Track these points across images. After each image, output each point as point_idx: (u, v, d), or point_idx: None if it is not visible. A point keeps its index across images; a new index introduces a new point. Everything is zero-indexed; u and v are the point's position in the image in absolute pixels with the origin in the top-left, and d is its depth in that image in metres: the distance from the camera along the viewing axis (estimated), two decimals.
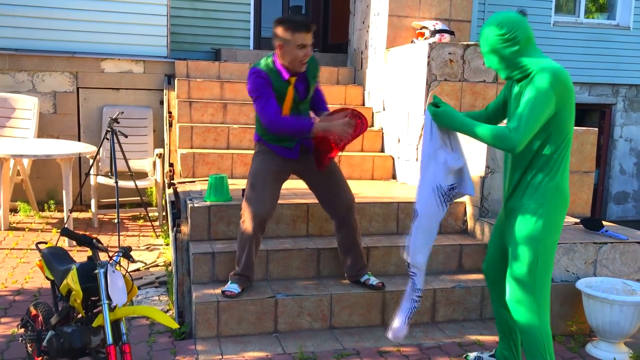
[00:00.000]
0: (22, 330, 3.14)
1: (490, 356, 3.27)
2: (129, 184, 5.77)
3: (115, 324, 2.61)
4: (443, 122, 2.82)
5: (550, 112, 2.67)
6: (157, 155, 6.17)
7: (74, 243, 5.24)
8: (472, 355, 3.33)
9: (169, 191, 4.82)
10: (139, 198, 5.81)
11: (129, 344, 2.61)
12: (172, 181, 5.05)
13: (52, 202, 6.45)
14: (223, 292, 3.57)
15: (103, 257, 2.77)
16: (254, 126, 3.46)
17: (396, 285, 3.85)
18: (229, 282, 3.64)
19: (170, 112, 6.04)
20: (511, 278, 2.85)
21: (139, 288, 4.32)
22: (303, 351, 3.38)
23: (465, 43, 5.23)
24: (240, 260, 3.60)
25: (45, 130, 6.44)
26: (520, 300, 2.82)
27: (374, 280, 3.78)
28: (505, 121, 3.14)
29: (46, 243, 3.09)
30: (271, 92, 3.43)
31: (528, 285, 2.80)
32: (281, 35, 3.38)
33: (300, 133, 3.42)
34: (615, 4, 9.05)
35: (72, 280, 2.65)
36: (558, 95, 2.64)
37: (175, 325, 2.62)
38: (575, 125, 4.50)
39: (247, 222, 3.52)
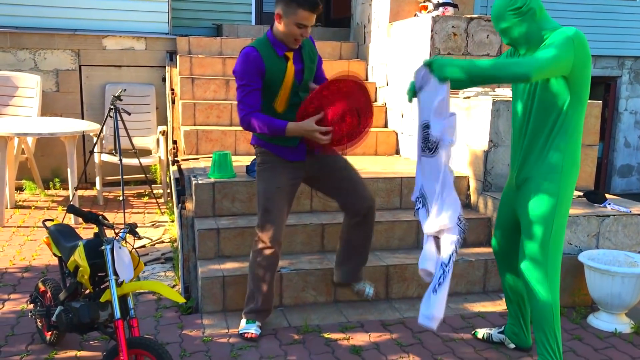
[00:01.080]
0: (32, 305, 3.19)
1: (499, 332, 3.28)
2: (133, 161, 5.79)
3: (123, 299, 2.64)
4: (445, 71, 2.59)
5: (568, 63, 2.58)
6: (160, 132, 6.18)
7: (80, 220, 5.29)
8: (481, 332, 3.34)
9: (173, 168, 4.84)
10: (143, 175, 5.84)
11: (136, 319, 2.65)
12: (176, 158, 5.07)
13: (57, 180, 6.49)
14: (241, 334, 3.24)
15: (109, 233, 2.79)
16: None
17: (399, 259, 3.88)
18: (245, 320, 3.30)
19: (172, 89, 6.03)
20: (524, 253, 2.84)
21: (145, 264, 4.36)
22: (308, 324, 3.43)
23: (469, 16, 5.18)
24: (258, 294, 3.26)
25: (48, 108, 6.45)
26: (533, 275, 2.81)
27: (369, 290, 3.54)
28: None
29: (53, 220, 3.12)
30: (257, 83, 3.05)
31: (541, 260, 2.79)
32: (284, 6, 2.98)
33: (273, 133, 3.03)
34: None
35: (79, 257, 2.69)
36: (577, 53, 2.58)
37: (181, 299, 2.66)
38: None
39: (265, 253, 3.20)
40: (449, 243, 2.71)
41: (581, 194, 4.22)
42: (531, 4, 2.68)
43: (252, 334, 3.23)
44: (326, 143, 3.01)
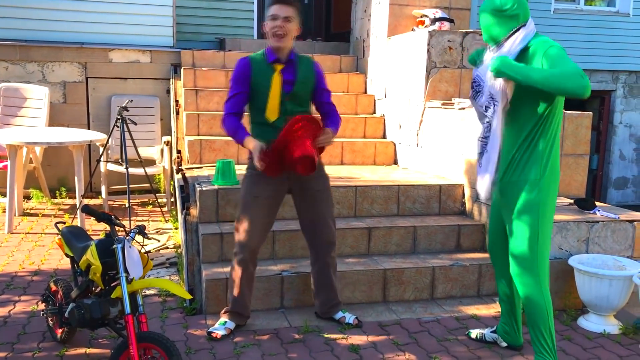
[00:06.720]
0: (43, 305, 3.32)
1: (491, 332, 3.41)
2: (139, 170, 5.93)
3: (132, 295, 2.78)
4: (504, 69, 2.71)
5: None
6: (164, 142, 6.34)
7: (87, 225, 5.42)
8: (475, 332, 3.47)
9: (178, 176, 4.99)
10: (148, 184, 5.98)
11: (145, 315, 2.79)
12: (180, 167, 5.22)
13: (63, 189, 6.63)
14: (208, 333, 3.38)
15: (120, 233, 2.93)
16: None
17: (396, 264, 4.02)
18: (220, 320, 3.46)
19: (177, 101, 6.20)
20: (513, 253, 2.96)
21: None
22: (308, 325, 3.56)
23: (464, 30, 5.37)
24: (232, 296, 3.44)
25: (55, 119, 6.61)
26: (523, 274, 2.94)
27: (350, 318, 3.58)
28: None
29: (64, 223, 3.27)
30: (243, 89, 3.29)
31: (530, 259, 2.91)
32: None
33: (235, 139, 3.31)
34: None
35: (91, 256, 2.83)
36: None
37: (188, 295, 2.80)
38: (574, 110, 4.66)
39: (237, 258, 3.37)
40: None
41: (572, 201, 4.36)
42: (517, 10, 2.83)
43: (216, 334, 3.36)
44: (262, 167, 3.16)
